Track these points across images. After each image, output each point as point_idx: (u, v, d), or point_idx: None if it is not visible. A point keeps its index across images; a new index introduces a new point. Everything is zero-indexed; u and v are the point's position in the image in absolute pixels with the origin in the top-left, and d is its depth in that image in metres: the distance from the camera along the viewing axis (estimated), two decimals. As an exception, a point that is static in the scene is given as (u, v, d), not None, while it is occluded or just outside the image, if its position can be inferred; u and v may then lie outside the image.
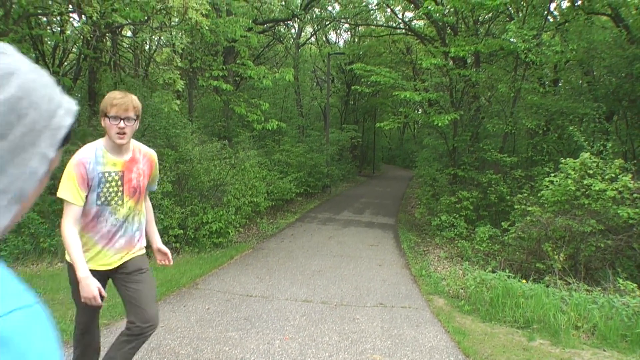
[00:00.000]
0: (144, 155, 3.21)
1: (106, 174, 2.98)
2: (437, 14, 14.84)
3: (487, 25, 18.11)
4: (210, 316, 5.65)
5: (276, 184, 14.81)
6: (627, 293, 6.27)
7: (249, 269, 8.32)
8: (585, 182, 8.21)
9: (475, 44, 13.90)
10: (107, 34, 9.98)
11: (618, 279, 6.89)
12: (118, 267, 3.14)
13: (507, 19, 15.81)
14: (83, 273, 2.78)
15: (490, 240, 10.44)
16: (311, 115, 31.71)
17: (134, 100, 2.96)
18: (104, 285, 2.99)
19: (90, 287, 2.77)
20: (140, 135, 11.43)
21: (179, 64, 9.97)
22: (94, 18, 8.24)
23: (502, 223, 10.21)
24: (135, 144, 3.16)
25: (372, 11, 26.07)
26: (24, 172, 0.78)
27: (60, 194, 2.87)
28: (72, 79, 14.17)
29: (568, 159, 8.88)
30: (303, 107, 29.36)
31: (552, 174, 9.11)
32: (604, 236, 8.06)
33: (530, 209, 9.02)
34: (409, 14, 24.70)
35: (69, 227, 2.86)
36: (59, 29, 15.37)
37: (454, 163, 16.05)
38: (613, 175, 8.21)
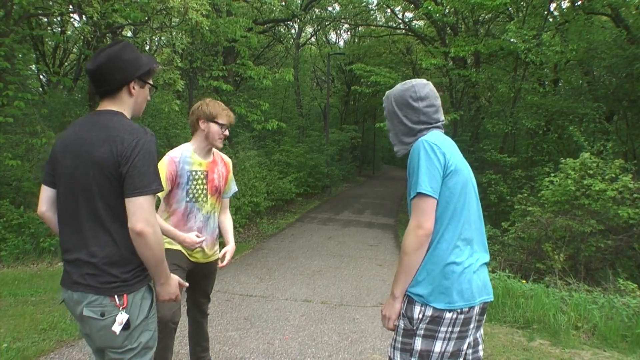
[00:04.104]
0: (221, 159, 3.61)
1: (194, 173, 3.35)
2: (437, 14, 14.87)
3: (487, 26, 18.13)
4: (210, 316, 5.64)
5: (276, 184, 14.81)
6: (628, 293, 6.26)
7: (248, 269, 8.32)
8: (585, 182, 8.20)
9: (475, 44, 13.93)
10: (107, 35, 10.00)
11: (618, 279, 6.88)
12: (201, 265, 3.51)
13: (507, 19, 15.84)
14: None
15: (490, 240, 10.33)
16: (311, 116, 31.71)
17: None
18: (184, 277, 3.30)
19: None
20: (141, 136, 11.44)
21: (179, 64, 9.96)
22: (95, 18, 8.25)
23: (502, 223, 10.19)
24: (213, 149, 3.55)
25: (372, 11, 26.08)
26: None
27: None
28: (73, 80, 14.19)
29: (568, 159, 8.87)
30: (303, 108, 29.37)
31: (552, 174, 9.11)
32: (604, 236, 8.06)
33: (530, 209, 9.01)
34: (409, 14, 24.75)
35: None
36: (59, 29, 15.41)
37: (453, 163, 16.03)
38: (613, 175, 8.21)
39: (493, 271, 7.67)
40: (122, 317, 2.10)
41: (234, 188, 3.76)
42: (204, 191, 3.40)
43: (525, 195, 10.13)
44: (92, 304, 2.10)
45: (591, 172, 8.38)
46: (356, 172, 33.21)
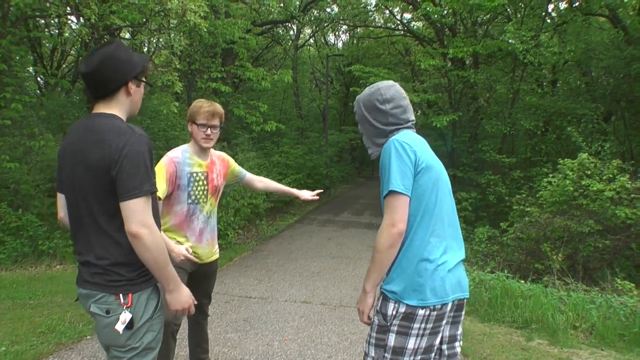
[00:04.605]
0: (218, 157, 3.58)
1: (194, 174, 3.32)
2: (436, 15, 14.88)
3: (485, 27, 18.13)
4: (209, 317, 5.65)
5: (275, 185, 14.76)
6: (625, 293, 6.28)
7: (248, 270, 8.33)
8: (583, 182, 8.22)
9: (474, 45, 13.94)
10: (105, 37, 9.99)
11: (616, 279, 6.90)
12: (203, 265, 3.49)
13: (505, 20, 15.84)
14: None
15: (489, 240, 10.45)
16: (310, 117, 31.71)
17: (218, 108, 3.37)
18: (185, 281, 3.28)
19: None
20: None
21: (178, 66, 9.97)
22: (92, 20, 8.24)
23: (501, 224, 10.21)
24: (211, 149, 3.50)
25: (370, 13, 26.08)
26: None
27: None
28: (71, 82, 14.18)
29: (566, 159, 8.89)
30: (302, 109, 29.39)
31: (551, 175, 9.13)
32: (602, 236, 8.08)
33: (528, 209, 9.03)
34: (407, 16, 24.72)
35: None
36: (57, 31, 15.38)
37: (452, 164, 16.07)
38: (611, 175, 8.23)
39: (492, 272, 7.69)
40: (125, 316, 2.11)
41: (242, 170, 3.82)
42: (205, 192, 3.37)
43: (524, 195, 10.14)
44: (99, 301, 2.13)
45: (589, 172, 8.40)
46: (355, 173, 33.28)
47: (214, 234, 3.56)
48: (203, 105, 3.30)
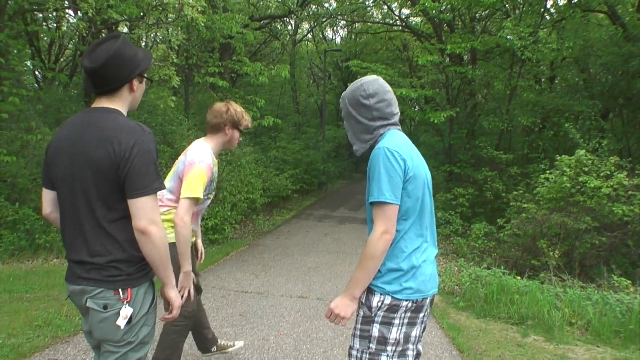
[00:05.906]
0: None
1: (214, 172, 3.42)
2: (434, 11, 14.82)
3: (483, 23, 18.11)
4: (206, 312, 5.66)
5: (272, 180, 14.79)
6: (621, 290, 6.30)
7: (244, 265, 8.33)
8: (580, 179, 8.22)
9: (472, 41, 13.91)
10: (103, 30, 9.95)
11: (612, 275, 6.92)
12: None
13: (504, 16, 15.81)
14: (188, 267, 3.17)
15: (485, 237, 10.46)
16: (307, 112, 31.69)
17: None
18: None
19: (190, 279, 3.23)
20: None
21: (175, 61, 9.94)
22: (90, 14, 8.20)
23: (498, 220, 10.21)
24: None
25: (368, 8, 26.02)
26: None
27: (196, 194, 3.13)
28: (68, 76, 14.15)
29: (564, 156, 8.88)
30: (299, 104, 29.36)
31: (548, 171, 9.12)
32: (598, 233, 8.09)
33: (525, 206, 9.02)
34: (405, 11, 24.67)
35: (190, 223, 3.16)
36: (54, 25, 15.32)
37: (450, 160, 16.09)
38: (608, 172, 8.22)
39: (488, 268, 7.70)
40: (126, 311, 2.11)
41: None
42: (215, 185, 3.55)
43: (521, 192, 10.14)
44: (96, 297, 2.11)
45: (586, 169, 8.39)
46: (352, 168, 33.20)
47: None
48: (243, 111, 3.46)
